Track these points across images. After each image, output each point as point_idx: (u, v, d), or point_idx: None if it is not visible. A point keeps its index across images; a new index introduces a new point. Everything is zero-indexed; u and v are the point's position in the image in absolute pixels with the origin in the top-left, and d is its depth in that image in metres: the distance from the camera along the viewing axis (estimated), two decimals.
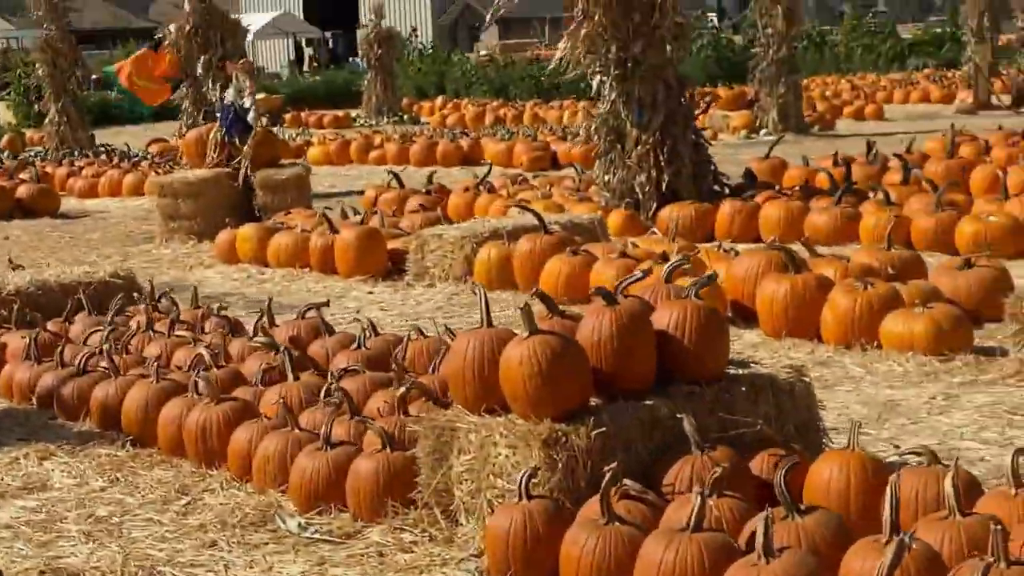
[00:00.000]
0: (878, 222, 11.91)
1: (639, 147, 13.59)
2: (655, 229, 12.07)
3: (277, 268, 13.13)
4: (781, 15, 24.68)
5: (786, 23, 24.72)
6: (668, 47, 13.56)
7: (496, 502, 5.40)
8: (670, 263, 6.27)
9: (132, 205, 20.09)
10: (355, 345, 7.80)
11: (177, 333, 8.44)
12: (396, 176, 16.57)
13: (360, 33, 70.27)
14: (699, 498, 4.70)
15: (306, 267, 12.92)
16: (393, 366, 6.98)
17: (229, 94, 16.15)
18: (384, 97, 36.48)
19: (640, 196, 13.62)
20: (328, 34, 75.69)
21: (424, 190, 15.90)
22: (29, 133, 34.26)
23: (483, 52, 49.42)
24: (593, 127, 13.96)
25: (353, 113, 37.35)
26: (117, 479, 6.74)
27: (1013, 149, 17.13)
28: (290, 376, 7.14)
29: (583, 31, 13.43)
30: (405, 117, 36.21)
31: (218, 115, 17.69)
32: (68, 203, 20.79)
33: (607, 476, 4.92)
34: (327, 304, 8.72)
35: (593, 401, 5.52)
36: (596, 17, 13.30)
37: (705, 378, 5.67)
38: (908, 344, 8.25)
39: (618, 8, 13.35)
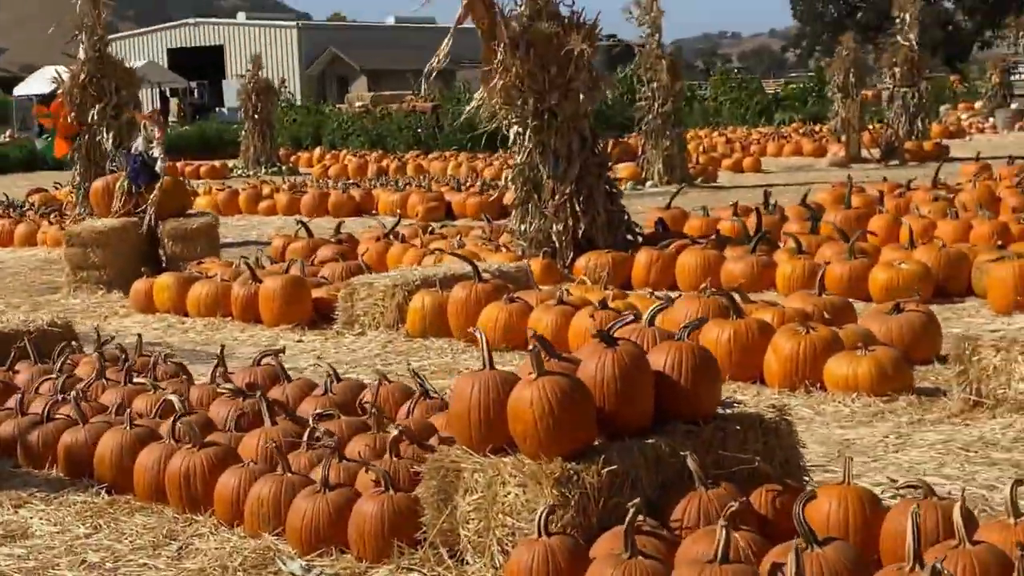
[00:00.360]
0: (794, 270, 12.34)
1: (555, 197, 13.85)
2: (584, 278, 12.31)
3: (197, 317, 13.06)
4: (666, 69, 25.29)
5: (671, 77, 25.34)
6: (582, 99, 13.85)
7: (507, 540, 5.53)
8: (653, 307, 6.47)
9: (26, 255, 19.73)
10: (321, 391, 7.89)
11: (135, 380, 8.43)
12: (305, 226, 16.61)
13: (227, 83, 70.09)
14: (724, 531, 4.89)
15: (228, 316, 12.87)
16: (373, 410, 7.05)
17: (137, 144, 16.05)
18: (262, 147, 36.42)
19: (557, 245, 13.87)
20: (194, 84, 75.31)
21: (334, 240, 15.96)
22: None
23: (359, 103, 49.49)
24: (510, 177, 14.19)
25: (230, 163, 37.16)
26: (100, 526, 6.70)
27: (900, 199, 17.81)
28: (267, 421, 7.18)
29: (500, 83, 13.66)
30: (283, 167, 36.13)
31: (116, 165, 17.63)
32: None
33: (631, 511, 5.09)
34: (283, 351, 8.77)
35: (596, 441, 5.70)
36: (513, 69, 13.55)
37: (700, 417, 5.88)
38: (852, 386, 8.57)
39: (535, 61, 13.63)
